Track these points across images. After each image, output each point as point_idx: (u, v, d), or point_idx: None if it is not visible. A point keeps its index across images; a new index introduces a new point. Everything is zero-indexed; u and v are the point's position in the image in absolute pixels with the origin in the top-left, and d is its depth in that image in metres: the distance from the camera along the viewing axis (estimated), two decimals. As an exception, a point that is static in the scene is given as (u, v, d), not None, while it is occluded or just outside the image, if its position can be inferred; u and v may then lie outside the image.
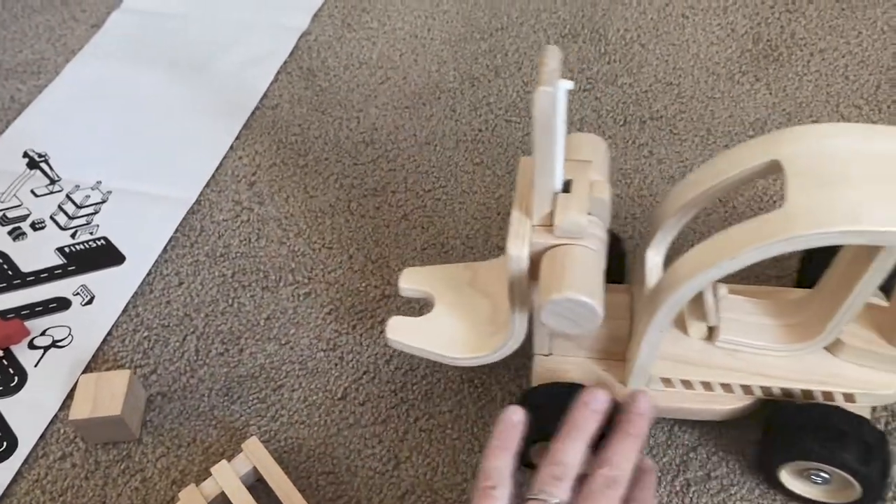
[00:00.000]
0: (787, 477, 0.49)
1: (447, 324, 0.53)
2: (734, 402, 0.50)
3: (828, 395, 0.48)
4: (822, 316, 0.46)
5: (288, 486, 0.51)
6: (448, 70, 0.81)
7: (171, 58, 0.85)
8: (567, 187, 0.44)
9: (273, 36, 0.87)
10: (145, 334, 0.62)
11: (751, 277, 0.59)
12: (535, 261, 0.44)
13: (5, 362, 0.61)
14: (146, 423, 0.57)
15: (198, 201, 0.71)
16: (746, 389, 0.49)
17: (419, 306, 0.60)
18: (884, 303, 0.48)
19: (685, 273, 0.42)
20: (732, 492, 0.51)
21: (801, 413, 0.48)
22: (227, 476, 0.52)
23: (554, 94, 0.38)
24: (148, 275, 0.66)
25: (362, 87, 0.80)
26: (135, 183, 0.73)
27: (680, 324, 0.50)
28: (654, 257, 0.50)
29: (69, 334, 0.63)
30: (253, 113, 0.79)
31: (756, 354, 0.49)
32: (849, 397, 0.47)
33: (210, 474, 0.52)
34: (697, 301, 0.48)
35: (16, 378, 0.60)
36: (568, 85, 0.39)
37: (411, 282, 0.55)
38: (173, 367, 0.60)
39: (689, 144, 0.71)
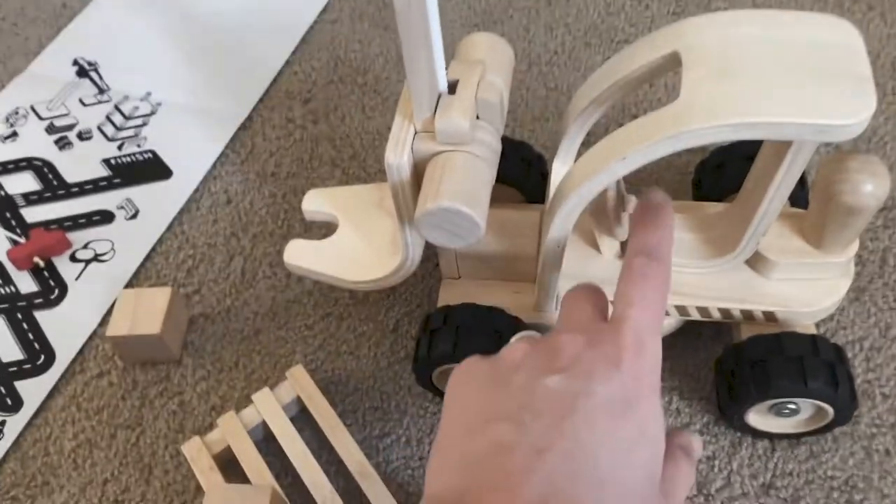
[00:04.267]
0: (755, 418, 0.45)
1: (348, 246, 0.49)
2: None
3: (747, 314, 0.45)
4: (740, 227, 0.42)
5: (333, 419, 0.48)
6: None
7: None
8: (453, 89, 0.40)
9: (336, -53, 0.81)
10: (190, 252, 0.59)
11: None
12: (422, 171, 0.41)
13: (46, 274, 0.58)
14: (187, 344, 0.54)
15: (249, 117, 0.67)
16: None
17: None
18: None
19: (575, 180, 0.38)
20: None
21: (751, 349, 0.44)
22: (268, 404, 0.48)
23: None
24: (195, 191, 0.62)
25: (429, 4, 0.74)
26: (185, 95, 0.69)
27: (593, 242, 0.47)
28: (559, 168, 0.47)
29: (111, 248, 0.60)
30: (311, 27, 0.74)
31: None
32: (769, 316, 0.45)
33: (251, 402, 0.49)
34: (607, 216, 0.45)
35: (56, 290, 0.57)
36: None
37: (315, 203, 0.51)
38: (218, 287, 0.57)
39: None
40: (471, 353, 0.45)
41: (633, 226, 0.37)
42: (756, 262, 0.46)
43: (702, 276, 0.46)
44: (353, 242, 0.50)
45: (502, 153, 0.53)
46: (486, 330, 0.45)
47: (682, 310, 0.46)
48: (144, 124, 0.67)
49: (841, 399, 0.42)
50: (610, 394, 0.29)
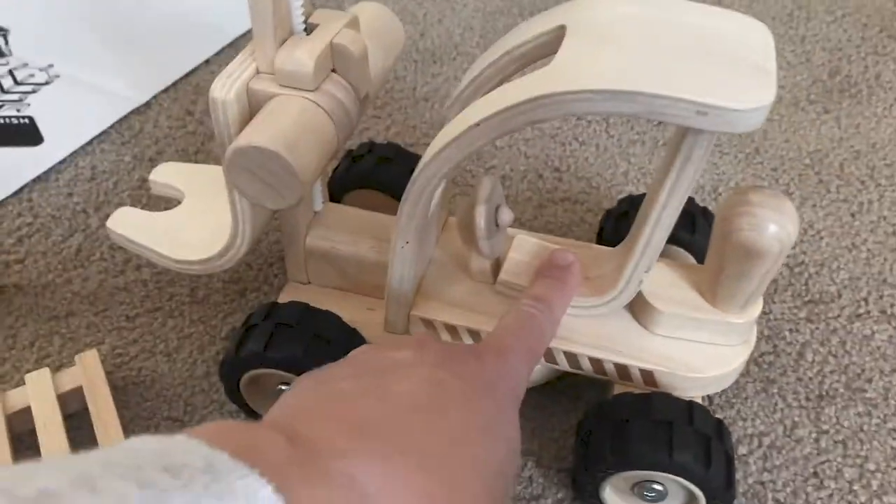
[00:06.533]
0: (613, 497, 0.38)
1: (182, 223, 0.43)
2: None
3: (622, 368, 0.38)
4: (623, 265, 0.36)
5: (111, 421, 0.39)
6: (473, 36, 0.71)
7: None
8: (310, 32, 0.35)
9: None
10: (29, 220, 0.52)
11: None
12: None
13: None
14: (-16, 314, 0.46)
15: (147, 104, 0.61)
16: None
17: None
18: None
19: (427, 155, 0.33)
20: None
21: (615, 408, 0.36)
22: (41, 388, 0.40)
23: None
24: (60, 163, 0.56)
25: (373, 36, 0.71)
26: (90, 72, 0.64)
27: (464, 262, 0.41)
28: None
29: (-57, 204, 0.52)
30: (244, 35, 0.69)
31: None
32: (648, 377, 0.38)
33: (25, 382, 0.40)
34: (475, 228, 0.38)
35: None
36: None
37: (164, 175, 0.46)
38: (45, 261, 0.49)
39: (730, 159, 0.59)
40: (286, 356, 0.37)
41: (535, 277, 0.37)
42: (641, 312, 0.39)
43: (576, 320, 0.39)
44: (189, 220, 0.43)
45: (385, 158, 0.47)
46: (311, 334, 0.38)
47: (548, 355, 0.39)
48: (34, 91, 0.62)
49: (713, 482, 0.34)
50: (465, 372, 0.27)
